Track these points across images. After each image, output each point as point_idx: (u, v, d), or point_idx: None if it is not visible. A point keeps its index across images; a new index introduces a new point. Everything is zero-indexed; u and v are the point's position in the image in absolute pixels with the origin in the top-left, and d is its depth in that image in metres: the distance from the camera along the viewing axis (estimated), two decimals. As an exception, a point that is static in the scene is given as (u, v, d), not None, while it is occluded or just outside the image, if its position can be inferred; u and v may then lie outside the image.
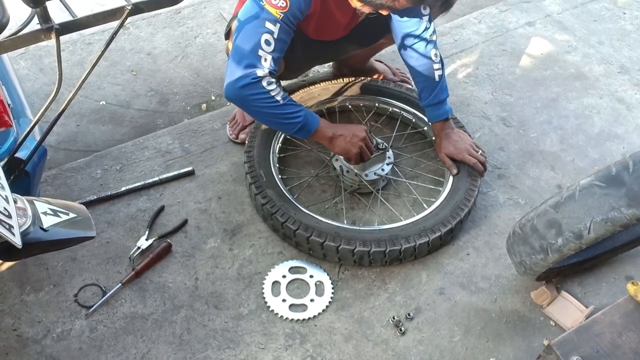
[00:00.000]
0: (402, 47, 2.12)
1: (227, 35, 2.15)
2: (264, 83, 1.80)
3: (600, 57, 2.90)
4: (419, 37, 2.07)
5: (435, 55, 2.12)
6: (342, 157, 2.18)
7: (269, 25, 1.78)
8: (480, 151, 2.19)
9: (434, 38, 2.10)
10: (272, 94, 1.82)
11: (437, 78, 2.12)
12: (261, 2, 1.79)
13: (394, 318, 1.89)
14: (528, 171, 2.35)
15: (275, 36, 1.79)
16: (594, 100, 2.68)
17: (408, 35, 2.07)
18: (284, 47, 1.85)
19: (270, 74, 1.82)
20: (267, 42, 1.79)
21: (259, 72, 1.79)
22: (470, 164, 2.15)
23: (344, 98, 2.42)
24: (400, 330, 1.86)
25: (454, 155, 2.17)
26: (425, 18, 2.05)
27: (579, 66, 2.85)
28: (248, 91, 1.81)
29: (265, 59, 1.80)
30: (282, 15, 1.78)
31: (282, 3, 1.77)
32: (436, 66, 2.12)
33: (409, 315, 1.89)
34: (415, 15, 2.03)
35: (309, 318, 1.88)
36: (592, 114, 2.61)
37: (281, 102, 1.84)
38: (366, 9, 1.82)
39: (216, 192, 2.21)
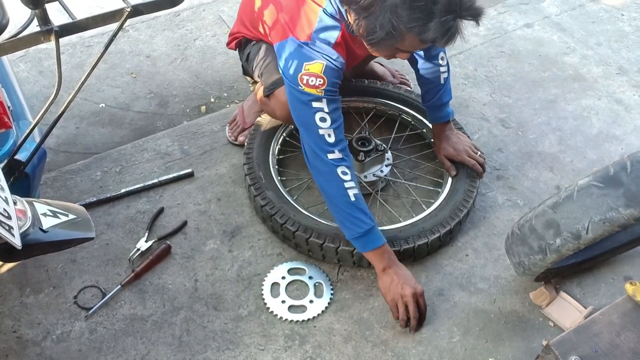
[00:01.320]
0: None
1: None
2: (339, 172, 1.83)
3: (598, 59, 2.91)
4: None
5: (442, 58, 2.12)
6: None
7: (316, 104, 1.82)
8: (479, 152, 2.20)
9: None
10: (346, 186, 1.83)
11: (442, 81, 2.13)
12: (300, 87, 1.83)
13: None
14: (527, 172, 2.36)
15: (327, 110, 1.82)
16: (593, 102, 2.68)
17: None
18: (339, 114, 1.86)
19: (343, 157, 1.83)
20: (322, 120, 1.82)
21: (330, 156, 1.82)
22: (469, 166, 2.16)
23: (343, 100, 2.41)
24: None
25: (452, 157, 2.18)
26: None
27: (577, 67, 2.85)
28: (321, 177, 1.87)
29: (329, 135, 1.82)
30: (323, 91, 1.82)
31: (320, 81, 1.81)
32: (442, 69, 2.12)
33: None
34: None
35: (309, 319, 1.89)
36: (590, 115, 2.62)
37: (352, 199, 1.83)
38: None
39: (215, 193, 2.21)
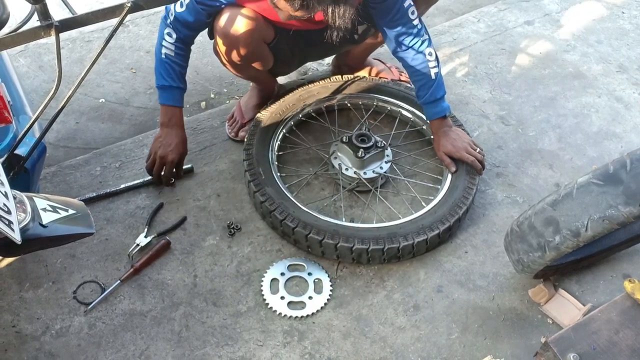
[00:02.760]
0: (397, 48, 2.13)
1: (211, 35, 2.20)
2: (165, 32, 2.04)
3: (598, 56, 2.91)
4: (411, 35, 2.08)
5: (430, 53, 2.12)
6: (341, 155, 2.19)
7: None
8: (479, 149, 2.20)
9: (426, 36, 2.11)
10: (164, 43, 2.04)
11: (433, 76, 2.13)
12: None
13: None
14: (526, 169, 2.36)
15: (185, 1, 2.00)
16: (593, 99, 2.68)
17: (400, 35, 2.08)
18: (194, 17, 2.01)
19: (176, 25, 2.02)
20: (181, 4, 2.00)
21: (169, 18, 2.03)
22: (469, 162, 2.16)
23: (343, 96, 2.42)
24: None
25: (452, 154, 2.18)
26: (414, 17, 2.07)
27: (577, 65, 2.85)
28: (160, 26, 2.07)
29: (181, 4, 1.99)
30: None
31: None
32: (432, 64, 2.12)
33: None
34: (402, 15, 2.04)
35: (307, 315, 1.89)
36: (590, 113, 2.62)
37: (163, 57, 2.05)
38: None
39: (215, 189, 2.22)
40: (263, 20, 2.01)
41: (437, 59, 2.14)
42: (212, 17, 2.03)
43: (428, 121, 2.26)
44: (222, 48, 2.07)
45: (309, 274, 1.99)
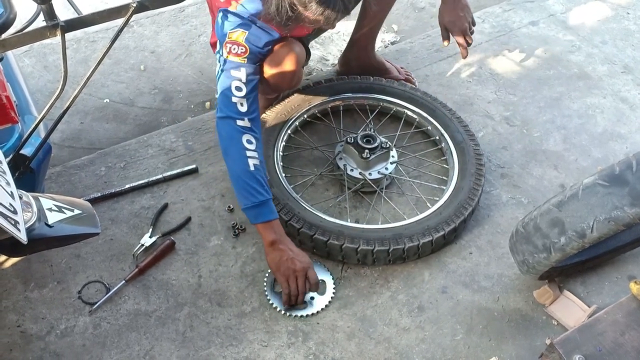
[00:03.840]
0: None
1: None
2: (244, 140, 1.86)
3: (603, 57, 2.90)
4: None
5: None
6: (346, 155, 2.19)
7: (234, 73, 1.87)
8: (473, 30, 2.22)
9: None
10: (248, 154, 1.85)
11: None
12: (222, 56, 1.89)
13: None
14: (531, 170, 2.35)
15: (244, 80, 1.87)
16: (598, 100, 2.68)
17: None
18: (255, 84, 1.91)
19: (252, 126, 1.87)
20: (238, 89, 1.87)
21: (239, 122, 1.86)
22: (458, 43, 2.19)
23: (348, 97, 2.42)
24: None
25: (450, 29, 2.20)
26: None
27: (582, 66, 2.84)
28: (226, 141, 1.89)
29: (242, 104, 1.87)
30: (246, 59, 1.88)
31: (242, 49, 1.87)
32: None
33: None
34: None
35: (312, 315, 1.89)
36: (595, 114, 2.61)
37: (251, 168, 1.85)
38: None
39: (220, 189, 2.22)
40: (297, 43, 2.04)
41: None
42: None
43: None
44: (268, 82, 2.05)
45: None
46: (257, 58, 1.92)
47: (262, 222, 1.86)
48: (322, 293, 1.94)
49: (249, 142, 1.86)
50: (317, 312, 1.90)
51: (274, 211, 1.88)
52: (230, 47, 1.87)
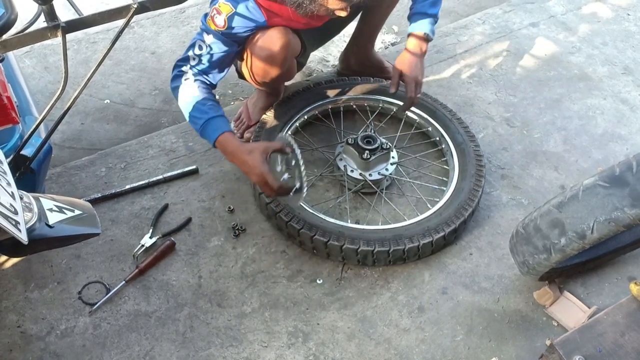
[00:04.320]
0: None
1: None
2: (183, 79, 1.95)
3: (604, 58, 2.90)
4: None
5: None
6: (346, 156, 2.19)
7: (204, 36, 1.95)
8: (419, 91, 2.19)
9: None
10: (187, 90, 1.94)
11: None
12: (207, 18, 1.94)
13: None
14: (531, 171, 2.36)
15: (207, 43, 1.94)
16: (598, 101, 2.68)
17: None
18: (217, 58, 1.96)
19: (198, 74, 1.95)
20: (200, 47, 1.95)
21: (184, 68, 1.96)
22: (408, 93, 2.16)
23: (349, 97, 2.42)
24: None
25: (404, 74, 2.15)
26: None
27: (582, 67, 2.85)
28: (172, 84, 2.00)
29: (194, 59, 1.95)
30: (220, 33, 1.93)
31: (221, 23, 1.91)
32: None
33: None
34: None
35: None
36: (595, 115, 2.61)
37: (189, 100, 1.94)
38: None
39: (220, 190, 2.22)
40: (292, 32, 2.04)
41: None
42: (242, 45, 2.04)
43: (408, 32, 2.19)
44: (256, 67, 2.07)
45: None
46: (231, 39, 1.97)
47: (214, 141, 1.92)
48: (293, 182, 1.91)
49: (188, 82, 1.94)
50: (305, 187, 1.87)
51: (220, 127, 1.92)
52: (214, 14, 1.91)
